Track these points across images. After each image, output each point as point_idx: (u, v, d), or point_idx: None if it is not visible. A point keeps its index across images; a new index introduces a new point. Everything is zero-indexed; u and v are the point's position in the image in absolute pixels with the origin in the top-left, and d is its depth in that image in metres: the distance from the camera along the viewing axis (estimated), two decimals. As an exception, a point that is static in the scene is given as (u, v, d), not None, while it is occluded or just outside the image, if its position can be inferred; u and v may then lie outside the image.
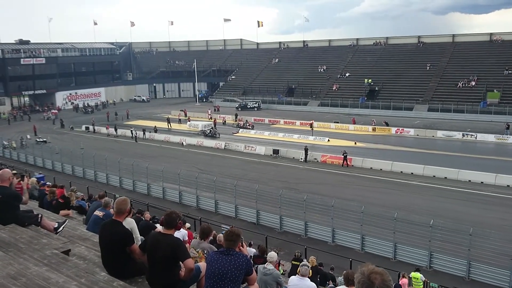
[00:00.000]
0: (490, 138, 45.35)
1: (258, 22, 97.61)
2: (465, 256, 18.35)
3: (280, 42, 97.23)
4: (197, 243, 6.72)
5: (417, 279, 15.58)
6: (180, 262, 5.03)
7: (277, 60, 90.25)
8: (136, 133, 50.75)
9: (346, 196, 27.21)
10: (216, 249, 5.91)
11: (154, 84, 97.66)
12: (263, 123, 59.81)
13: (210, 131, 50.95)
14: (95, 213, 8.37)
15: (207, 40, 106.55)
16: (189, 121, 59.40)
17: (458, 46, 74.03)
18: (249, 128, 54.63)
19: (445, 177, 31.91)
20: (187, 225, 14.52)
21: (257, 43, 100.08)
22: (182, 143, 47.30)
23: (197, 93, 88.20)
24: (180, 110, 67.17)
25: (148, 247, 5.12)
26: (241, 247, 5.04)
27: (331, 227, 22.01)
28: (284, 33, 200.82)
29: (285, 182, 32.04)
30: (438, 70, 69.78)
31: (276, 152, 40.98)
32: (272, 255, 7.97)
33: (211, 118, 62.05)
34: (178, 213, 5.31)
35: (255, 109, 72.19)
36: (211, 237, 9.04)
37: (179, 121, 60.83)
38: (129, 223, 6.05)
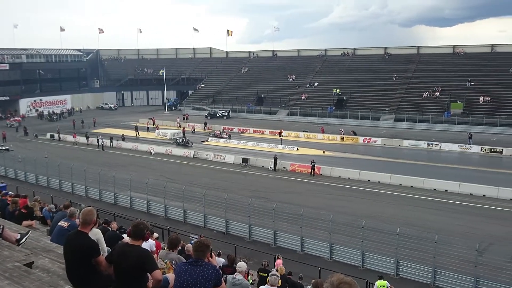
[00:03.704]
0: (454, 147, 46.68)
1: (228, 31, 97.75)
2: (430, 264, 18.70)
3: (249, 51, 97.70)
4: (165, 253, 6.61)
5: (383, 286, 15.77)
6: (148, 274, 4.92)
7: (246, 69, 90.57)
8: (103, 142, 49.79)
9: (315, 205, 27.38)
10: (185, 260, 5.83)
11: (122, 92, 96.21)
12: (233, 131, 59.73)
13: (183, 140, 50.35)
14: (59, 223, 8.10)
15: (176, 48, 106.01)
16: (157, 129, 58.76)
17: (423, 58, 76.19)
18: (226, 138, 54.09)
19: (411, 186, 32.60)
20: (155, 235, 14.28)
21: (227, 52, 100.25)
22: (151, 152, 46.71)
23: (166, 101, 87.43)
24: (149, 118, 66.40)
25: (115, 259, 4.99)
26: (210, 258, 4.97)
27: (300, 235, 22.09)
28: (253, 43, 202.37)
29: (254, 191, 32.03)
30: (404, 80, 71.55)
31: (245, 161, 40.97)
32: (241, 265, 7.92)
33: (180, 126, 61.59)
34: (145, 223, 5.21)
35: (225, 117, 72.11)
36: (179, 248, 8.92)
37: (148, 129, 60.11)
38: (95, 234, 5.90)
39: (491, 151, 44.80)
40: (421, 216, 26.32)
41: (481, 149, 45.30)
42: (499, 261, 18.26)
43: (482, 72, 67.21)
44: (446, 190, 31.29)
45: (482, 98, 62.11)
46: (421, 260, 19.08)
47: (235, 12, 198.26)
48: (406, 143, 49.26)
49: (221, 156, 43.20)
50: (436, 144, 47.71)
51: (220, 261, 13.19)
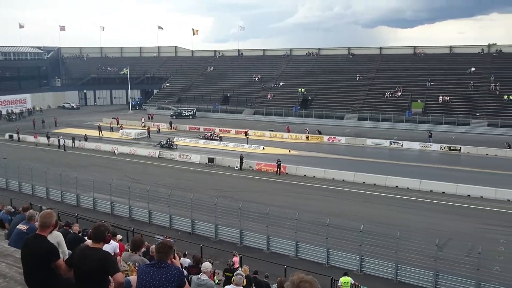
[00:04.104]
0: (415, 145, 47.99)
1: (193, 30, 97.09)
2: (393, 259, 19.16)
3: (215, 51, 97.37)
4: (128, 255, 6.51)
5: (347, 283, 16.06)
6: (110, 277, 4.85)
7: (212, 68, 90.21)
8: (64, 142, 48.50)
9: (281, 204, 27.59)
10: (149, 262, 5.76)
11: (85, 91, 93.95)
12: (198, 131, 59.43)
13: (167, 142, 48.12)
14: (18, 227, 7.87)
15: (140, 47, 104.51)
16: (121, 129, 57.73)
17: (385, 58, 77.90)
18: (217, 139, 52.08)
19: (374, 184, 33.30)
20: (119, 237, 14.02)
21: (192, 51, 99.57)
22: (114, 152, 45.86)
23: (130, 100, 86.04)
24: (112, 118, 65.17)
25: (74, 262, 4.88)
26: (173, 259, 4.94)
27: (266, 234, 22.19)
28: (219, 42, 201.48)
29: (221, 190, 31.96)
30: (367, 80, 72.94)
31: (211, 160, 40.82)
32: (206, 265, 7.89)
33: (144, 126, 60.75)
34: (106, 225, 5.12)
35: (190, 117, 71.62)
36: (144, 249, 8.82)
37: (111, 129, 59.01)
38: (55, 237, 5.76)
39: (450, 149, 46.31)
40: (384, 213, 26.93)
41: (441, 147, 46.78)
42: (458, 256, 18.93)
43: (441, 72, 69.30)
44: (408, 188, 32.12)
45: (442, 97, 64.10)
46: (384, 256, 19.52)
47: (201, 11, 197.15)
48: (369, 141, 50.27)
49: (187, 156, 42.88)
50: (398, 143, 48.89)
51: (185, 261, 13.12)
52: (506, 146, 45.00)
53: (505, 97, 61.60)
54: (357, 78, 73.81)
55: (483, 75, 66.86)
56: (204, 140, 51.44)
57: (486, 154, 43.98)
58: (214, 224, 23.81)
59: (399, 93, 67.54)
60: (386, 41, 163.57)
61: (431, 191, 31.37)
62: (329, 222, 20.69)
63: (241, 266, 16.01)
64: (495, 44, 73.49)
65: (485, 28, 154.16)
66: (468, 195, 30.20)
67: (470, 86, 65.54)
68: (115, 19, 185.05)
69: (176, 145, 48.12)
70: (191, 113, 72.84)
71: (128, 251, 8.18)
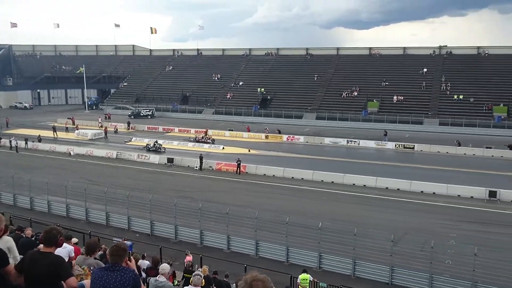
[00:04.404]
0: (371, 144, 49.25)
1: (151, 28, 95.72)
2: (351, 255, 19.59)
3: (174, 50, 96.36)
4: (82, 259, 6.38)
5: (306, 280, 16.30)
6: (62, 282, 4.73)
7: (171, 67, 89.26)
8: (16, 143, 46.71)
9: (241, 203, 27.68)
10: (104, 265, 5.67)
11: (38, 90, 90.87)
12: (157, 131, 58.69)
13: (154, 145, 45.64)
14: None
15: (96, 45, 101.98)
16: (77, 129, 56.17)
17: (342, 59, 79.43)
18: (209, 142, 49.80)
19: (332, 182, 33.92)
20: (74, 240, 13.63)
21: (150, 50, 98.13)
22: (70, 153, 44.57)
23: (86, 100, 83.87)
24: (68, 118, 63.31)
25: (25, 267, 4.73)
26: (128, 262, 4.86)
27: (226, 234, 22.21)
28: (178, 41, 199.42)
29: (180, 191, 31.70)
30: (325, 80, 74.18)
31: (170, 160, 40.40)
32: (164, 266, 7.83)
33: (101, 126, 59.38)
34: (59, 229, 5.01)
35: (149, 117, 70.63)
36: (101, 252, 8.66)
37: (66, 129, 57.34)
38: (6, 242, 5.58)
39: (404, 147, 47.80)
40: (341, 210, 27.50)
41: (395, 145, 48.22)
42: (412, 250, 19.59)
43: (395, 73, 71.46)
44: (365, 185, 32.91)
45: (396, 97, 66.06)
46: (342, 253, 19.93)
47: (159, 9, 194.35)
48: (327, 140, 51.16)
49: (145, 156, 42.28)
50: (355, 141, 50.04)
51: (144, 263, 12.96)
52: (456, 144, 46.83)
53: (455, 96, 64.21)
54: (315, 78, 74.91)
55: (434, 76, 69.37)
56: (193, 143, 49.58)
57: (438, 152, 45.70)
58: (174, 225, 23.61)
59: (356, 93, 69.06)
60: (343, 42, 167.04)
61: (386, 188, 32.27)
62: (289, 221, 20.93)
63: (201, 266, 15.97)
64: (446, 46, 76.44)
65: (437, 30, 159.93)
66: (422, 192, 31.25)
67: (422, 86, 67.87)
68: (70, 16, 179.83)
69: (165, 148, 45.97)
70: (150, 113, 71.84)
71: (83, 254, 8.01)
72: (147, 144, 46.95)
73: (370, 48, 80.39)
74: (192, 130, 57.24)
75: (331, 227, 20.96)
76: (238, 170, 36.97)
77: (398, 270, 18.61)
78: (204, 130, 53.67)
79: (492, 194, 29.64)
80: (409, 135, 53.95)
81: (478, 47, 73.82)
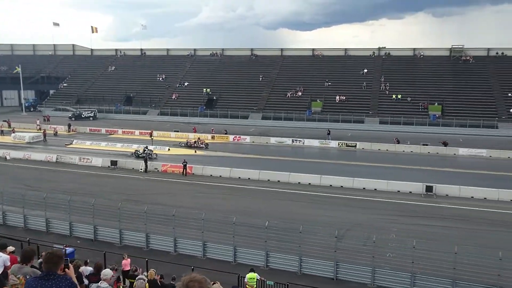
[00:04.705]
0: (315, 143, 50.39)
1: (92, 27, 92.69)
2: (297, 253, 19.96)
3: (116, 49, 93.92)
4: (17, 268, 6.12)
5: (253, 279, 16.46)
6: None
7: (113, 67, 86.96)
8: None
9: (188, 204, 27.49)
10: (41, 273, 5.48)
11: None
12: (100, 133, 57.03)
13: (144, 151, 41.77)
14: None
15: (34, 44, 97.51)
16: (13, 132, 53.50)
17: (286, 60, 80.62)
18: (202, 147, 47.40)
19: (278, 180, 34.39)
20: (10, 248, 13.00)
21: (92, 50, 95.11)
22: (6, 157, 42.38)
23: (23, 101, 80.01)
24: (3, 121, 60.13)
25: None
26: (66, 269, 4.70)
27: (173, 236, 21.98)
28: (121, 40, 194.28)
29: (125, 194, 31.00)
30: (270, 81, 75.01)
31: (114, 163, 39.39)
32: (106, 272, 7.66)
33: (40, 129, 56.92)
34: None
35: (91, 118, 68.53)
36: (40, 260, 8.34)
37: (2, 132, 54.53)
38: None
39: (347, 146, 49.27)
40: (288, 208, 27.92)
41: (339, 144, 49.61)
42: (355, 245, 20.26)
43: (337, 73, 73.48)
44: (310, 183, 33.61)
45: (338, 97, 67.93)
46: (288, 250, 20.26)
47: (100, 8, 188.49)
48: (273, 140, 51.79)
49: (88, 159, 40.95)
50: (300, 141, 51.02)
51: (87, 270, 12.59)
52: (395, 142, 48.86)
53: (394, 96, 66.95)
54: (260, 78, 75.59)
55: (374, 76, 71.94)
56: (186, 149, 47.05)
57: (379, 150, 47.48)
58: (118, 229, 23.06)
59: (300, 93, 70.35)
60: (287, 42, 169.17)
61: (330, 185, 33.14)
62: (236, 221, 21.03)
63: (147, 270, 15.72)
64: (385, 47, 79.44)
65: (376, 32, 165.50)
66: (364, 188, 32.35)
67: (363, 86, 70.19)
68: (5, 13, 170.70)
69: (156, 154, 42.97)
70: (92, 114, 69.71)
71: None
72: (136, 151, 43.50)
73: (313, 49, 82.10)
74: (137, 132, 56.14)
75: (278, 226, 21.28)
76: (184, 172, 36.63)
77: (343, 265, 19.17)
78: (149, 131, 52.64)
79: (429, 189, 31.18)
80: (351, 133, 55.66)
81: (414, 49, 77.35)
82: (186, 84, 78.13)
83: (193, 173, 36.77)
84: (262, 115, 67.31)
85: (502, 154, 44.73)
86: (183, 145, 48.63)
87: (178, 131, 56.26)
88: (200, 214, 22.01)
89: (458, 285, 17.14)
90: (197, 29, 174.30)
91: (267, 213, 25.65)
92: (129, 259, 17.18)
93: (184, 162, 37.02)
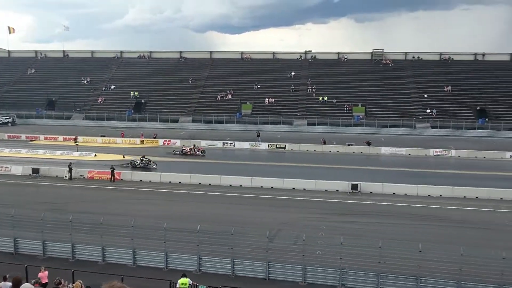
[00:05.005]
0: (246, 145, 50.95)
1: (9, 28, 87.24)
2: (230, 255, 20.02)
3: (36, 51, 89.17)
4: None
5: (185, 284, 16.34)
6: None
7: (33, 70, 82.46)
8: None
9: (117, 212, 26.69)
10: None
11: None
12: (20, 139, 53.84)
13: (142, 160, 39.75)
14: None
15: None
16: None
17: (216, 62, 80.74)
18: (198, 155, 45.58)
19: (210, 184, 34.33)
20: None
21: (9, 51, 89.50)
22: None
23: None
24: None
25: None
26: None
27: (101, 245, 21.24)
28: (41, 42, 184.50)
29: (49, 203, 29.45)
30: (199, 84, 74.76)
31: (36, 171, 37.34)
32: (25, 286, 7.31)
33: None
34: None
35: (9, 124, 64.58)
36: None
37: None
38: None
39: (276, 147, 50.27)
40: (219, 211, 27.92)
41: (268, 146, 50.52)
42: (286, 245, 20.70)
43: (266, 76, 74.74)
44: (241, 185, 33.88)
45: (268, 99, 69.10)
46: (221, 253, 20.27)
47: (17, 7, 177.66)
48: (203, 143, 51.58)
49: (6, 167, 38.50)
50: (230, 143, 51.34)
51: (6, 285, 11.93)
52: (322, 142, 50.54)
53: (320, 98, 69.27)
54: (190, 81, 75.10)
55: (301, 79, 74.01)
56: (180, 157, 44.84)
57: (307, 150, 48.92)
58: (41, 241, 21.89)
59: (230, 96, 70.74)
60: (217, 45, 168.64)
61: (261, 187, 33.58)
62: (167, 226, 20.71)
63: (73, 282, 15.10)
64: (311, 51, 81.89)
65: (303, 36, 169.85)
66: (293, 188, 33.13)
67: (291, 89, 71.93)
68: None
69: (155, 163, 40.18)
70: (10, 120, 65.71)
71: None
72: (132, 161, 40.56)
73: (242, 52, 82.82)
74: (60, 138, 53.64)
75: (210, 229, 21.21)
76: (112, 178, 35.51)
77: (274, 265, 19.49)
78: (74, 137, 50.44)
79: (354, 186, 32.56)
80: (281, 135, 56.82)
81: (339, 53, 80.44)
82: (112, 87, 75.82)
83: (121, 179, 35.76)
84: (192, 118, 66.88)
85: (420, 152, 47.75)
86: (178, 153, 46.33)
87: (105, 136, 54.45)
88: (129, 221, 21.46)
89: (383, 278, 18.05)
90: (123, 31, 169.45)
91: (199, 217, 25.46)
92: (46, 271, 16.40)
93: (112, 168, 35.90)
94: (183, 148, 47.03)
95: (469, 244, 19.90)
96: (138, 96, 72.16)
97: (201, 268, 20.26)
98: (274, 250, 19.94)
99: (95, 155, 45.03)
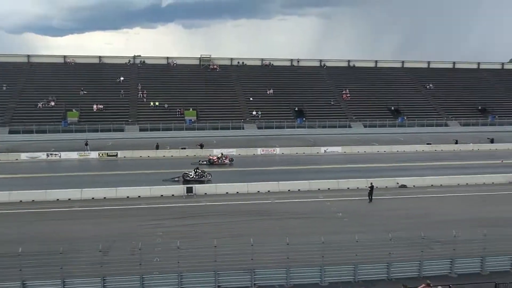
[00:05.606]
0: (74, 155, 47.86)
1: None
2: (58, 276, 18.55)
3: None
4: None
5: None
6: None
7: None
8: None
9: None
10: None
11: None
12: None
13: (196, 172, 35.97)
14: None
15: None
16: None
17: (35, 67, 74.12)
18: (226, 164, 43.45)
19: (33, 200, 31.33)
20: None
21: None
22: None
23: None
24: None
25: None
26: None
27: None
28: None
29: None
30: (16, 90, 67.66)
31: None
32: None
33: None
34: None
35: None
36: None
37: None
38: None
39: (108, 155, 48.33)
40: (46, 229, 25.73)
41: (99, 154, 48.29)
42: (123, 256, 20.14)
43: (93, 81, 71.23)
44: (69, 199, 31.70)
45: (96, 106, 65.93)
46: (49, 275, 18.67)
47: None
48: (24, 156, 46.97)
49: None
50: (56, 154, 47.67)
51: None
52: (155, 148, 50.23)
53: (152, 103, 68.75)
54: (4, 88, 67.46)
55: (131, 84, 72.41)
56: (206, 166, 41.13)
57: (140, 156, 48.17)
58: None
59: (53, 103, 65.62)
60: (37, 48, 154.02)
61: (93, 198, 31.94)
62: None
63: None
64: (140, 55, 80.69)
65: (131, 40, 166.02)
66: (128, 197, 32.27)
67: (121, 94, 69.85)
68: None
69: (211, 175, 36.84)
70: None
71: None
72: (185, 173, 36.43)
73: (64, 56, 77.54)
74: None
75: (35, 250, 19.46)
76: None
77: (110, 279, 18.69)
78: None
79: (189, 189, 33.16)
80: (112, 142, 54.81)
81: (168, 58, 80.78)
82: None
83: None
84: (9, 129, 60.19)
85: (249, 151, 50.93)
86: (205, 162, 43.49)
87: None
88: None
89: (220, 276, 18.80)
90: None
91: (21, 239, 23.13)
92: None
93: None
94: (210, 157, 44.64)
95: (294, 234, 21.96)
96: None
97: (26, 291, 18.48)
98: (109, 263, 19.22)
99: None
